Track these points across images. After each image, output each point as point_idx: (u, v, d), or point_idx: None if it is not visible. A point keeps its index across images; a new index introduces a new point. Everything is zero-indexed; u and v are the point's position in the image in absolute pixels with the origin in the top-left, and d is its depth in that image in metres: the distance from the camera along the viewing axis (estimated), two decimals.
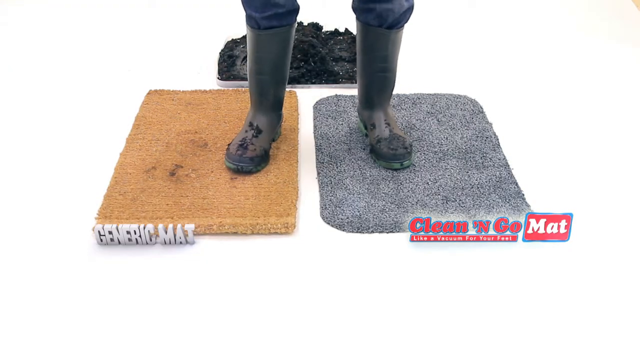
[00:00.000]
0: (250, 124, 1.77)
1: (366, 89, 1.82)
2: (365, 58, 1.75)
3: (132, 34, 2.53)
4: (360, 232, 1.57)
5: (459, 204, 1.64)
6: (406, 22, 1.68)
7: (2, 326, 1.34)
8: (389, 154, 1.74)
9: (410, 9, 1.66)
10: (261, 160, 1.73)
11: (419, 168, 1.77)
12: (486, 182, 1.72)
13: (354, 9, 1.69)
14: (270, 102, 1.77)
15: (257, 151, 1.72)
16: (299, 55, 2.22)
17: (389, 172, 1.75)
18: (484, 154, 1.83)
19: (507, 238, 1.53)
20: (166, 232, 1.51)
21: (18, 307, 1.38)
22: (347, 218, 1.60)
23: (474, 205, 1.64)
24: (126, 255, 1.50)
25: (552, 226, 1.52)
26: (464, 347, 1.30)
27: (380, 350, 1.29)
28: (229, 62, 2.26)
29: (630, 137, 1.95)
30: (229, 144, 1.77)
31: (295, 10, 1.64)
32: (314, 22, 2.50)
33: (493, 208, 1.63)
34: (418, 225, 1.51)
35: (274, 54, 1.69)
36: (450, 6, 2.77)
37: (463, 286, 1.40)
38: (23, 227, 1.59)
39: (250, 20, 1.64)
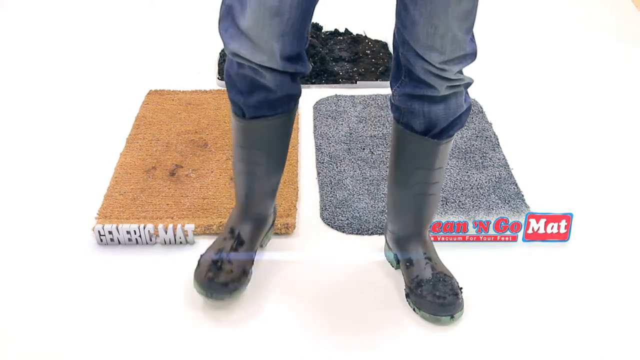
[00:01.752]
0: (231, 231, 1.40)
1: (399, 211, 1.39)
2: (401, 170, 1.33)
3: (132, 34, 2.53)
4: (360, 233, 1.57)
5: (459, 204, 1.64)
6: (461, 127, 1.28)
7: (2, 326, 1.34)
8: (434, 303, 1.32)
9: (467, 111, 1.26)
10: (239, 285, 1.35)
11: None
12: (486, 182, 1.72)
13: (393, 106, 1.27)
14: (260, 201, 1.40)
15: (233, 273, 1.34)
16: None
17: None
18: (484, 154, 1.83)
19: (507, 238, 1.53)
20: (166, 232, 1.51)
21: (18, 306, 1.38)
22: (347, 219, 1.60)
23: (473, 207, 1.64)
24: (126, 255, 1.50)
25: (552, 226, 1.52)
26: (464, 347, 1.30)
27: (380, 350, 1.29)
28: None
29: (630, 137, 1.95)
30: (201, 255, 1.39)
31: (294, 96, 1.27)
32: (314, 22, 2.50)
33: (492, 209, 1.63)
34: None
35: (268, 146, 1.31)
36: None
37: (463, 286, 1.40)
38: (23, 227, 1.59)
39: (233, 105, 1.28)
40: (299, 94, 1.27)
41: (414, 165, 1.30)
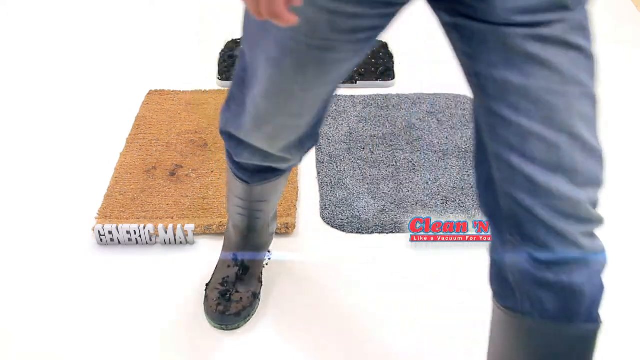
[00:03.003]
0: (234, 258, 1.35)
1: None
2: None
3: (132, 34, 2.53)
4: (360, 232, 1.57)
5: (459, 204, 1.64)
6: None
7: (2, 326, 1.34)
8: None
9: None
10: (251, 310, 1.34)
11: (419, 168, 1.77)
12: None
13: (500, 280, 0.80)
14: (263, 231, 1.37)
15: (243, 301, 1.32)
16: None
17: (389, 171, 1.75)
18: None
19: None
20: (166, 232, 1.51)
21: (18, 306, 1.38)
22: (347, 218, 1.60)
23: (473, 206, 1.64)
24: (126, 255, 1.50)
25: None
26: (464, 347, 1.30)
27: (380, 351, 1.29)
28: (229, 62, 2.26)
29: (630, 137, 1.95)
30: (207, 285, 1.36)
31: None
32: None
33: None
34: (418, 225, 1.52)
35: (271, 197, 1.28)
36: None
37: (463, 286, 1.40)
38: (23, 227, 1.59)
39: (236, 172, 1.22)
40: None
41: None
